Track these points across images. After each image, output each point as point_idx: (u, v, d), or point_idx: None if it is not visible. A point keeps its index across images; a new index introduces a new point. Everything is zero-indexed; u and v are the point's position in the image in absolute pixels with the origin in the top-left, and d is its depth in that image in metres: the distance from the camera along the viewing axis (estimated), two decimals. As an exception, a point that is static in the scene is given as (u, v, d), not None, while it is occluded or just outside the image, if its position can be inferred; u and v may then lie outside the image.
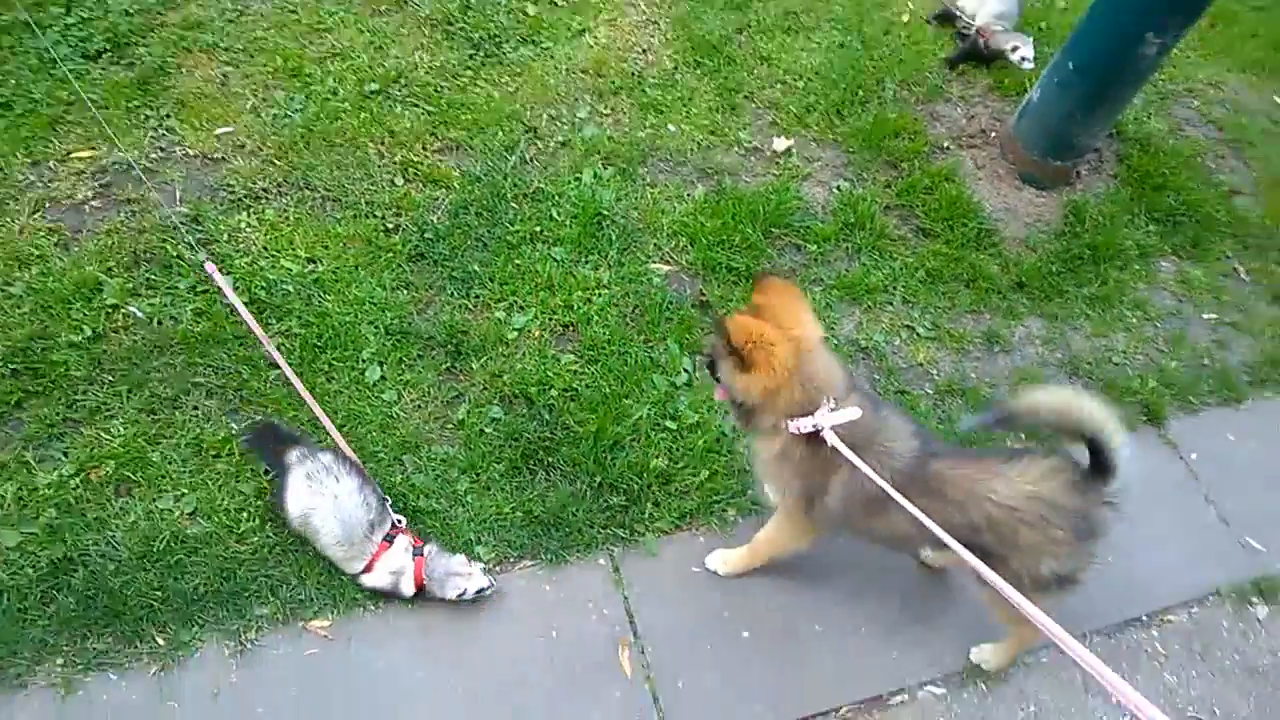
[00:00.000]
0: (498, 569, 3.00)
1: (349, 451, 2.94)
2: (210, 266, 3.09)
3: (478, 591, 2.82)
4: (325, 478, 2.73)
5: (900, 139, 4.46)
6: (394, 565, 2.75)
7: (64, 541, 2.72)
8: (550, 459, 3.22)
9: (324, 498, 2.71)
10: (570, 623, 2.93)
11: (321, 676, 2.70)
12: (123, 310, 3.20)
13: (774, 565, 3.16)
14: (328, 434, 2.99)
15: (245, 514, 2.89)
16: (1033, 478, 2.51)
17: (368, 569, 2.78)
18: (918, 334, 3.90)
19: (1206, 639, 3.35)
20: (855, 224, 4.12)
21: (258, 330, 3.04)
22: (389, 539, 2.77)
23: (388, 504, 2.87)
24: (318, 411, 2.96)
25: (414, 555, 2.81)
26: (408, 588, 2.79)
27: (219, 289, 3.12)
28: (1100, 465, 2.52)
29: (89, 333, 3.12)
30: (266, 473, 2.94)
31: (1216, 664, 3.30)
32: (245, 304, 3.21)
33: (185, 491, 2.90)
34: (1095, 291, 4.20)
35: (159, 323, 3.21)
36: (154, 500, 2.86)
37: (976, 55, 4.83)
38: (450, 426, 3.24)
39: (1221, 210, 4.63)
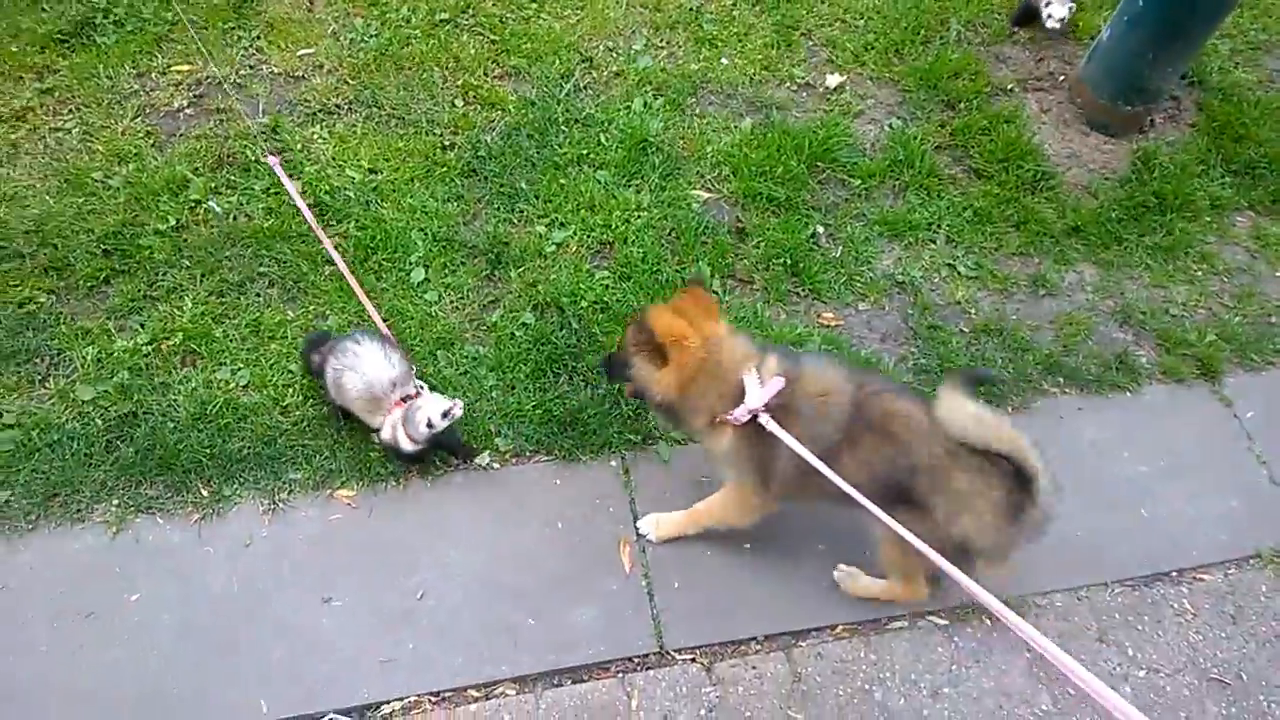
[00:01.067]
0: (513, 461, 3.07)
1: (386, 331, 3.05)
2: (273, 160, 3.25)
3: (443, 415, 2.71)
4: (350, 345, 2.84)
5: (960, 79, 4.23)
6: (395, 419, 2.82)
7: (131, 400, 2.95)
8: (575, 364, 3.26)
9: (348, 357, 2.82)
10: (577, 516, 2.98)
11: (342, 540, 2.84)
12: (204, 205, 3.42)
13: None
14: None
15: (291, 390, 3.06)
16: None
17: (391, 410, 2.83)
18: (958, 272, 3.73)
19: (1241, 601, 3.12)
20: (904, 161, 3.95)
21: (313, 222, 3.20)
22: (405, 399, 2.85)
23: (413, 370, 2.94)
24: (363, 299, 3.07)
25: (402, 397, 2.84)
26: (405, 442, 2.78)
27: (281, 184, 3.27)
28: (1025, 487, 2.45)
29: (173, 223, 3.35)
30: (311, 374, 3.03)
31: (1249, 628, 3.07)
32: (310, 205, 3.38)
33: (241, 366, 3.09)
34: (1158, 241, 3.91)
35: (234, 218, 3.41)
36: (213, 371, 3.06)
37: (1034, 13, 4.45)
38: (484, 328, 3.32)
39: (1311, 166, 4.21)
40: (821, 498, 2.55)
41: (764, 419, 2.38)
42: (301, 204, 3.23)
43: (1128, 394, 3.49)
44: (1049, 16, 4.26)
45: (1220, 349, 3.61)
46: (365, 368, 2.80)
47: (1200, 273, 3.87)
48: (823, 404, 2.44)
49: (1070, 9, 4.25)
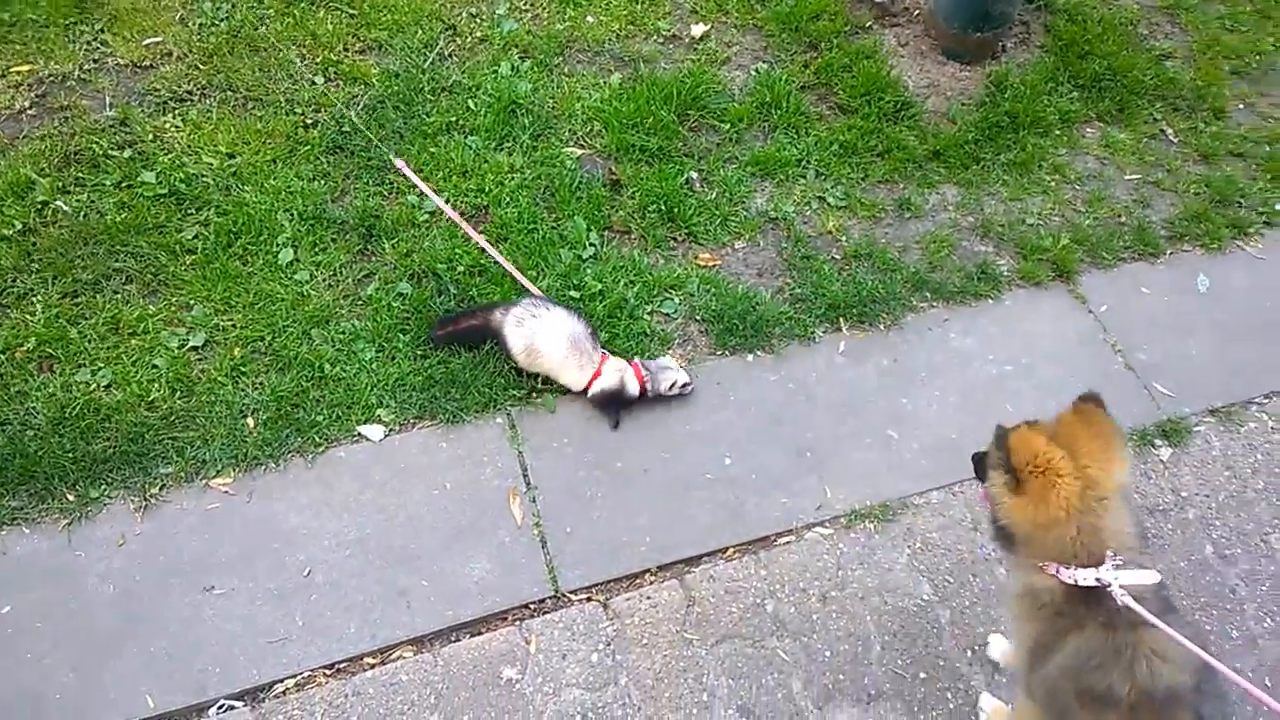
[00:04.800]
0: (397, 430, 2.86)
1: (533, 288, 3.05)
2: (400, 163, 3.19)
3: (683, 385, 2.96)
4: (533, 309, 2.87)
5: (821, 20, 4.09)
6: (618, 365, 2.91)
7: (-15, 411, 2.66)
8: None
9: (540, 321, 2.84)
10: (464, 475, 2.80)
11: (222, 527, 2.62)
12: (52, 205, 3.09)
13: (676, 413, 3.01)
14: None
15: (156, 384, 2.80)
16: None
17: (596, 374, 2.88)
18: (828, 204, 3.60)
19: (1110, 479, 3.08)
20: (771, 103, 3.80)
21: (457, 218, 3.14)
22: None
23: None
24: (520, 278, 3.01)
25: (631, 361, 2.96)
26: (633, 386, 2.91)
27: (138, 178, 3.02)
28: None
29: (19, 227, 3.03)
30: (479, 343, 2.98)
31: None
32: (165, 195, 3.12)
33: (102, 366, 2.81)
34: (1013, 158, 3.84)
35: (84, 216, 3.10)
36: (72, 374, 2.78)
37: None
38: (359, 303, 3.09)
39: (1151, 74, 4.18)
40: None
41: (1116, 591, 1.77)
42: (441, 202, 3.14)
43: (990, 301, 3.43)
44: None
45: (1073, 251, 3.56)
46: (562, 327, 2.84)
47: (1053, 183, 3.80)
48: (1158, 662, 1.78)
49: None
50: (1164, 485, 3.11)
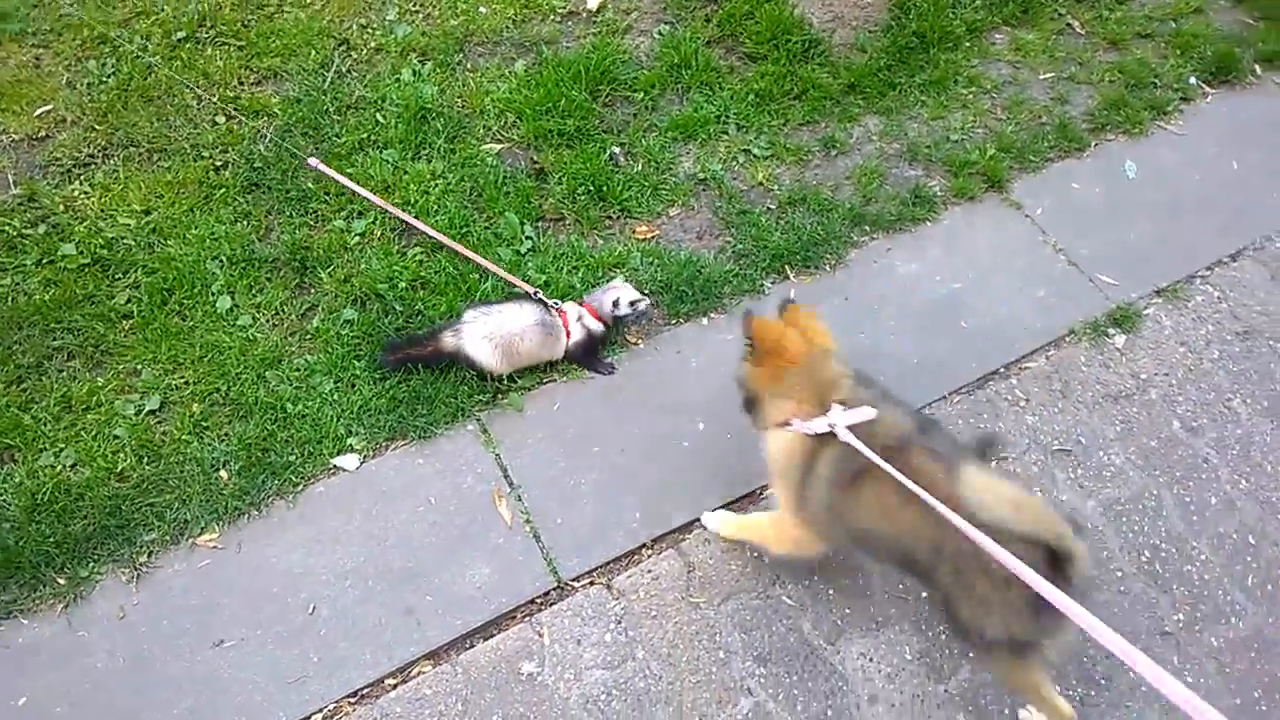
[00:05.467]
0: (371, 455, 3.10)
1: (494, 267, 3.31)
2: (313, 161, 3.36)
3: (633, 302, 3.21)
4: (484, 311, 3.13)
5: (715, -29, 4.35)
6: (576, 313, 3.21)
7: (-46, 513, 2.84)
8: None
9: (501, 316, 3.11)
10: (446, 487, 3.05)
11: (218, 582, 2.84)
12: (-27, 298, 3.26)
13: (642, 389, 3.29)
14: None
15: (122, 454, 2.99)
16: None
17: (568, 334, 3.20)
18: (754, 155, 3.89)
19: (1065, 376, 3.45)
20: (680, 64, 4.07)
21: (379, 201, 3.37)
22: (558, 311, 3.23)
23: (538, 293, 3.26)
24: (488, 264, 3.20)
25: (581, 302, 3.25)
26: (594, 324, 3.22)
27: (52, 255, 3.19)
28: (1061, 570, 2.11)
29: (-55, 323, 3.19)
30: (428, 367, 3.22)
31: (1078, 398, 3.40)
32: (88, 264, 3.31)
33: (63, 446, 2.99)
34: (928, 78, 4.16)
35: (11, 300, 3.26)
36: (35, 460, 2.96)
37: None
38: (307, 337, 3.31)
39: (1049, -30, 4.52)
40: (856, 546, 2.59)
41: (841, 431, 2.30)
42: (367, 194, 3.33)
43: (928, 224, 3.76)
44: None
45: (1001, 160, 3.90)
46: (522, 318, 3.12)
47: (971, 95, 4.14)
48: (883, 452, 2.25)
49: None
50: (1123, 371, 3.48)
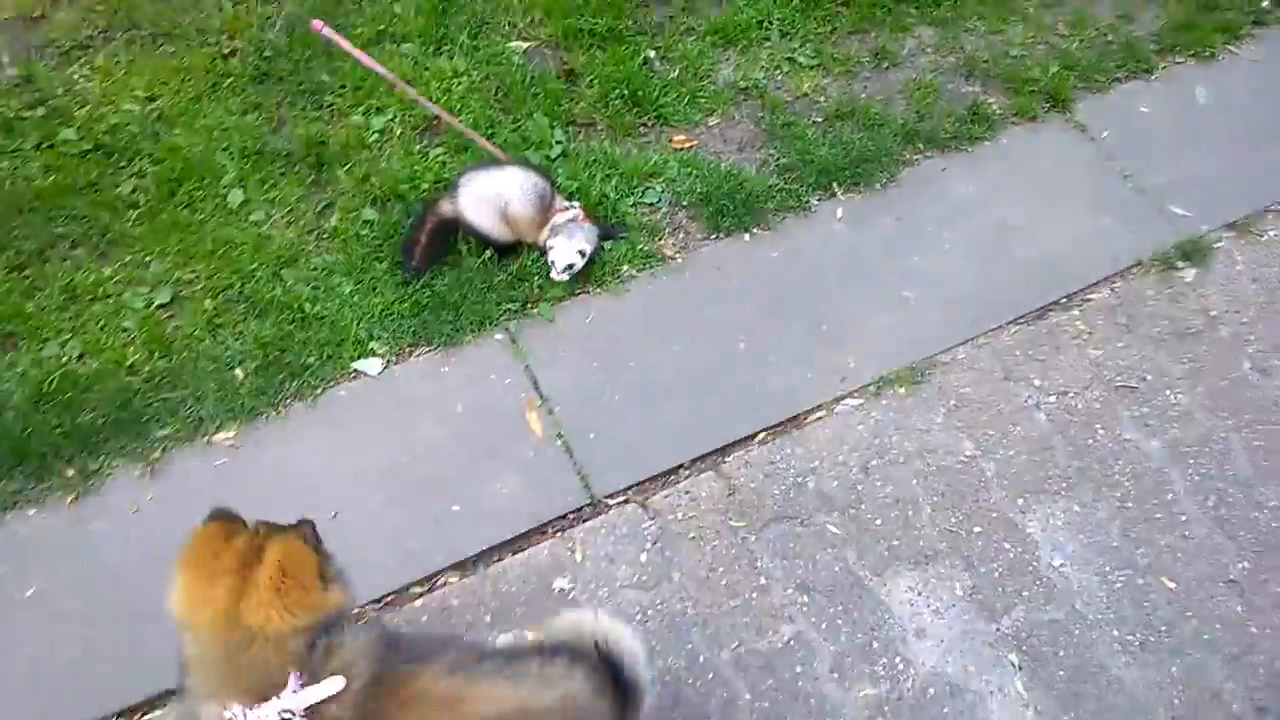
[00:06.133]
0: (395, 361, 3.18)
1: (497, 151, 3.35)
2: (317, 24, 3.21)
3: (567, 267, 3.23)
4: (482, 171, 3.23)
5: None
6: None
7: (-44, 401, 2.91)
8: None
9: (499, 178, 3.20)
10: (474, 397, 3.13)
11: (235, 481, 2.91)
12: (-32, 181, 3.31)
13: (680, 305, 3.35)
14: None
15: (131, 348, 3.06)
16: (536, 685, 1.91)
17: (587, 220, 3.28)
18: (800, 65, 3.94)
19: (1131, 310, 3.52)
20: (720, -39, 4.10)
21: (371, 64, 3.22)
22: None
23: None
24: (473, 135, 3.37)
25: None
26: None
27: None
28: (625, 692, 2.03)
29: (-61, 206, 3.24)
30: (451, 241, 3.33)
31: (1143, 332, 3.47)
32: (90, 151, 3.35)
33: (69, 336, 3.06)
34: (988, -13, 4.20)
35: (10, 184, 3.30)
36: (39, 349, 3.03)
37: None
38: (325, 236, 3.36)
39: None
40: None
41: None
42: (363, 57, 3.22)
43: (986, 144, 3.82)
44: None
45: (1065, 78, 3.96)
46: (518, 180, 3.18)
47: (1032, 9, 4.19)
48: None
49: None
50: (1192, 307, 3.54)
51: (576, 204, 3.33)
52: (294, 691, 1.66)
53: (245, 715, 1.64)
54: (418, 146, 3.56)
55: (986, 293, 3.48)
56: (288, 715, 1.65)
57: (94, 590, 2.72)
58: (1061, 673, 2.80)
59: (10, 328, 3.05)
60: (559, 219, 3.26)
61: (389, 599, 2.81)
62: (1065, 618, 2.89)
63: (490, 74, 3.73)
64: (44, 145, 3.38)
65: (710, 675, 2.74)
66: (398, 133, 3.58)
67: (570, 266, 3.21)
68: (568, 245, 3.20)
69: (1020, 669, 2.80)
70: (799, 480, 3.09)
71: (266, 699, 1.65)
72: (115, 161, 3.39)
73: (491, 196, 3.17)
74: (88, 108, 3.47)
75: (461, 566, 2.88)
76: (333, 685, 1.68)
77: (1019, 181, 3.75)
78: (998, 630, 2.87)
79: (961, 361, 3.37)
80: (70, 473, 2.86)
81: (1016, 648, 2.84)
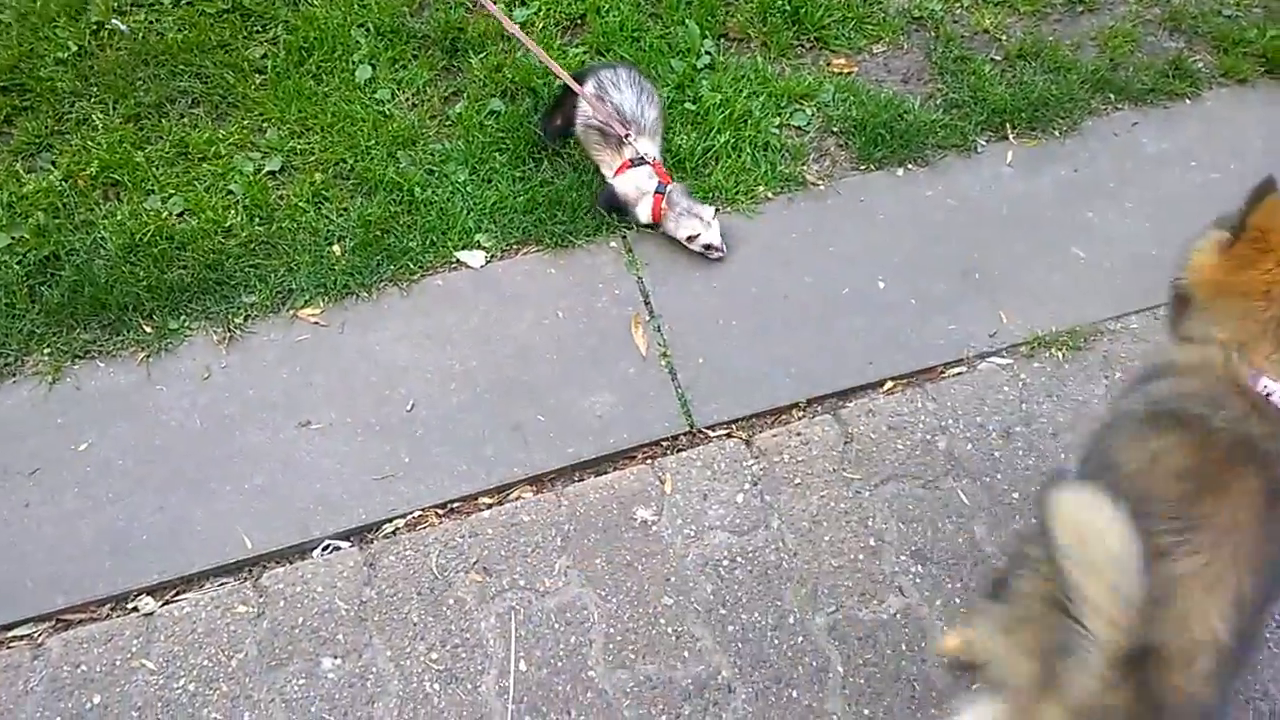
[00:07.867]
0: (499, 256, 2.64)
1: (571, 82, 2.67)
2: None
3: (706, 246, 2.60)
4: (611, 75, 2.66)
5: None
6: (638, 182, 2.61)
7: (51, 241, 2.52)
8: (560, 149, 2.79)
9: (620, 83, 2.64)
10: (578, 302, 2.57)
11: (314, 360, 2.45)
12: (108, 26, 2.93)
13: (817, 234, 2.71)
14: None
15: (233, 210, 2.63)
16: None
17: (620, 171, 2.64)
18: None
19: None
20: (905, -117, 3.37)
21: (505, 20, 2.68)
22: (636, 162, 2.63)
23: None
24: (552, 65, 2.67)
25: (656, 190, 2.61)
26: (644, 214, 2.63)
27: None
28: None
29: (75, 49, 2.87)
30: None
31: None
32: (229, 10, 2.91)
33: (172, 192, 2.65)
34: (1205, -63, 3.33)
35: (143, 36, 2.92)
36: (141, 201, 2.63)
37: None
38: (448, 122, 2.86)
39: None
40: None
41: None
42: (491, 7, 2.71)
43: (1187, 101, 3.01)
44: None
45: (1288, 41, 3.08)
46: (636, 80, 2.66)
47: (1254, -32, 3.30)
48: None
49: None
50: None
51: (653, 154, 2.68)
52: None
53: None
54: (559, 43, 3.00)
55: (1171, 259, 2.67)
56: None
57: (149, 454, 2.29)
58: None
59: (117, 176, 2.65)
60: (642, 178, 2.63)
61: (455, 504, 2.27)
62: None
63: (643, -24, 3.13)
64: (183, 1, 2.98)
65: (799, 639, 2.11)
66: (539, 26, 3.02)
67: (709, 246, 2.61)
68: (689, 221, 2.59)
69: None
70: (927, 438, 2.40)
71: None
72: (250, 25, 2.96)
73: (600, 101, 2.62)
74: (230, -30, 3.05)
75: (538, 482, 2.32)
76: None
77: (1220, 146, 2.92)
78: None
79: (1134, 331, 2.61)
80: (148, 329, 2.44)
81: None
